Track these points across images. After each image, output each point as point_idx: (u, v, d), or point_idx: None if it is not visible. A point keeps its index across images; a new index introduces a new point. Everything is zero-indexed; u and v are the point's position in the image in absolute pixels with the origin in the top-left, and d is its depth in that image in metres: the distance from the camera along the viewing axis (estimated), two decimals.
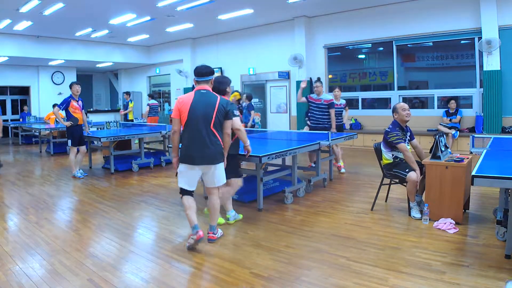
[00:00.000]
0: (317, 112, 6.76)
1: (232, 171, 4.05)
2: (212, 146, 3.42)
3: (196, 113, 3.39)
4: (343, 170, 7.00)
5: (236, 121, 3.71)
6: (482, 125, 8.59)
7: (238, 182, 4.25)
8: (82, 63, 15.03)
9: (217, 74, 13.60)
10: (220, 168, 3.55)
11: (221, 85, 3.95)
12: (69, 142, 6.81)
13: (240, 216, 4.30)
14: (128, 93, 12.59)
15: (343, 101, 7.49)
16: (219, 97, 3.51)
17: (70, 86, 6.77)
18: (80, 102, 6.77)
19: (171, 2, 9.11)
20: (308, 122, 10.24)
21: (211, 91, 3.55)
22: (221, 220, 4.07)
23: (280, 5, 9.70)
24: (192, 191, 3.55)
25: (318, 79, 7.09)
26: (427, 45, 9.72)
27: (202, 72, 3.52)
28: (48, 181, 6.59)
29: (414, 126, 8.56)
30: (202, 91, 3.49)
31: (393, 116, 4.47)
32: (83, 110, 6.89)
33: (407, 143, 4.46)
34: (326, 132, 5.84)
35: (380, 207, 4.67)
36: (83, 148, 6.84)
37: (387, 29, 9.91)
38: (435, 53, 9.68)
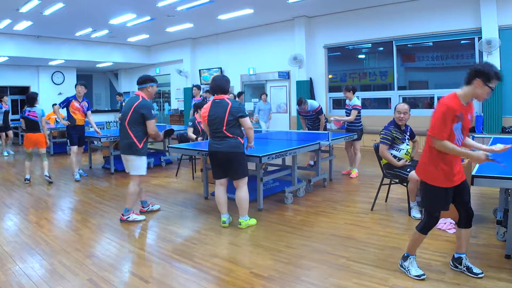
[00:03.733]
0: (310, 122, 6.97)
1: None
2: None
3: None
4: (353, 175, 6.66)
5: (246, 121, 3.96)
6: (482, 125, 8.59)
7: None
8: (82, 63, 15.02)
9: (217, 74, 13.66)
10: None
11: (227, 84, 4.08)
12: (68, 142, 6.86)
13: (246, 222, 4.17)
14: (120, 94, 12.56)
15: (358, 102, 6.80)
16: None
17: (75, 86, 6.71)
18: (84, 103, 6.58)
19: (171, 2, 9.10)
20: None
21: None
22: (253, 221, 4.15)
23: (280, 5, 9.70)
24: None
25: (301, 102, 6.75)
26: (427, 45, 9.71)
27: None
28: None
29: (414, 126, 8.57)
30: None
31: (394, 115, 4.49)
32: (88, 112, 6.69)
33: (407, 142, 4.48)
34: (326, 132, 5.85)
35: (380, 207, 4.67)
36: (74, 148, 6.62)
37: (387, 29, 9.90)
38: (435, 53, 9.67)
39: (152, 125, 4.21)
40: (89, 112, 6.73)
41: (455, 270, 2.87)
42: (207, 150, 4.84)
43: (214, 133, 3.96)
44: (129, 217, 4.33)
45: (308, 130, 7.03)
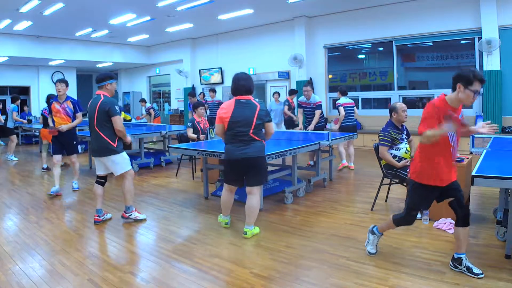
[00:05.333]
0: (309, 114, 7.01)
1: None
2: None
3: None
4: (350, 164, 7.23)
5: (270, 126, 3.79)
6: None
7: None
8: (82, 63, 15.03)
9: (217, 74, 13.67)
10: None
11: (253, 84, 3.79)
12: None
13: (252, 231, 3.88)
14: (143, 100, 12.50)
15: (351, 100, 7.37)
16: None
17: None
18: (67, 103, 5.54)
19: (171, 2, 9.11)
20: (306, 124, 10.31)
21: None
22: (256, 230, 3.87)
23: (280, 5, 9.70)
24: None
25: (309, 83, 7.18)
26: (427, 45, 9.72)
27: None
28: (48, 181, 6.59)
29: (414, 126, 8.58)
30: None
31: (391, 115, 4.46)
32: (78, 113, 5.66)
33: (405, 141, 4.48)
34: (326, 132, 5.85)
35: (380, 207, 4.67)
36: (54, 158, 5.68)
37: (387, 29, 9.91)
38: (435, 53, 9.68)
39: (119, 121, 4.05)
40: (79, 114, 5.69)
41: (455, 271, 2.87)
42: (208, 150, 4.82)
43: (237, 136, 3.60)
44: (131, 214, 4.30)
45: (304, 128, 7.13)
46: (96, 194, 4.27)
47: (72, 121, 5.59)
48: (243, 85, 3.65)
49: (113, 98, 4.17)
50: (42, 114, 7.84)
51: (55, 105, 5.53)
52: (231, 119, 3.60)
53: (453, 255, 2.92)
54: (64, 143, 5.63)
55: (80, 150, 5.73)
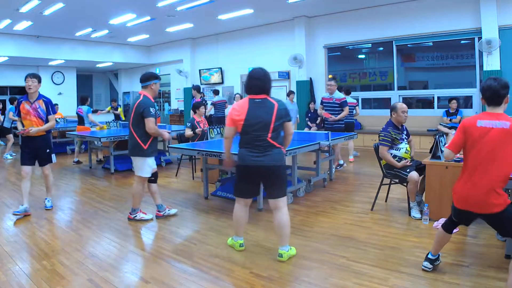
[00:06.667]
0: (330, 111, 6.81)
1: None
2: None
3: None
4: (343, 163, 7.27)
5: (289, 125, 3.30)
6: None
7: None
8: (82, 63, 15.02)
9: (216, 74, 13.66)
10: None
11: (271, 83, 3.28)
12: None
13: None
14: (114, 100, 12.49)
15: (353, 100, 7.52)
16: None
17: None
18: (38, 103, 4.51)
19: (171, 2, 9.11)
20: (309, 123, 10.29)
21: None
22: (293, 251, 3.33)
23: (280, 5, 9.70)
24: None
25: (333, 78, 7.14)
26: (427, 45, 9.72)
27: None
28: None
29: (414, 126, 8.60)
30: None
31: (391, 115, 4.47)
32: (50, 116, 4.59)
33: (405, 141, 4.48)
34: (326, 132, 5.85)
35: (380, 207, 4.67)
36: (23, 170, 4.56)
37: (387, 29, 9.90)
38: (435, 53, 9.68)
39: (151, 124, 4.00)
40: (52, 116, 4.61)
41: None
42: (208, 150, 4.80)
43: (253, 141, 3.13)
44: (136, 215, 4.29)
45: (323, 128, 7.06)
46: (151, 192, 4.39)
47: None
48: (256, 85, 3.18)
49: (151, 100, 4.09)
50: (77, 113, 8.50)
51: (25, 105, 4.50)
52: (246, 121, 3.11)
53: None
54: (36, 151, 4.59)
55: (54, 160, 4.76)
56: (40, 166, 4.73)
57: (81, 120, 8.36)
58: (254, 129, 3.10)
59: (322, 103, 7.11)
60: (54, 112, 4.68)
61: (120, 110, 11.92)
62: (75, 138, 8.65)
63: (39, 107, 4.52)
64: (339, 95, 6.90)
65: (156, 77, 4.20)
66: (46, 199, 4.91)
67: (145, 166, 4.16)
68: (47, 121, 4.59)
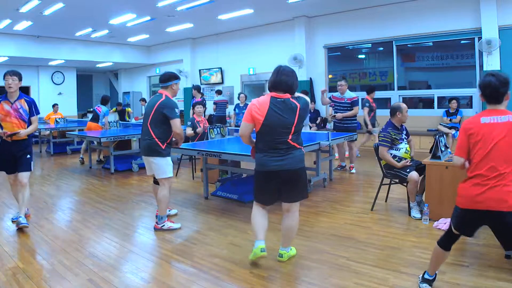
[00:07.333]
0: (340, 111, 6.73)
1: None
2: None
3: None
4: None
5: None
6: None
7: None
8: (82, 63, 15.02)
9: (217, 74, 13.66)
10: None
11: (297, 81, 3.06)
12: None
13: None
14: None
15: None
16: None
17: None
18: (20, 103, 4.06)
19: (171, 2, 9.11)
20: (309, 123, 10.28)
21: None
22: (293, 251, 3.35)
23: (280, 5, 9.70)
24: None
25: (343, 78, 7.02)
26: (427, 45, 9.71)
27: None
28: (48, 181, 6.59)
29: (414, 126, 8.60)
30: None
31: (395, 115, 4.45)
32: (33, 117, 4.15)
33: (405, 141, 4.48)
34: (327, 132, 5.84)
35: (380, 207, 4.67)
36: (11, 176, 4.22)
37: (387, 29, 9.90)
38: (435, 53, 9.68)
39: (178, 124, 3.91)
40: (35, 117, 4.17)
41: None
42: (208, 150, 4.79)
43: (273, 143, 2.94)
44: (164, 225, 4.02)
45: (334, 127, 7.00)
46: (156, 194, 4.16)
47: (28, 127, 4.12)
48: (284, 81, 2.94)
49: (173, 101, 4.01)
50: (94, 110, 8.98)
51: (4, 106, 4.01)
52: (265, 121, 2.91)
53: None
54: (15, 156, 4.09)
55: (32, 168, 4.26)
56: (18, 172, 4.09)
57: (95, 117, 8.61)
58: (273, 131, 2.92)
59: (332, 102, 6.87)
60: (38, 113, 4.22)
61: (128, 109, 11.99)
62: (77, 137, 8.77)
63: (21, 107, 4.06)
64: (350, 94, 6.77)
65: (176, 77, 4.09)
66: (19, 216, 4.00)
67: (167, 165, 4.01)
68: (29, 122, 4.13)
